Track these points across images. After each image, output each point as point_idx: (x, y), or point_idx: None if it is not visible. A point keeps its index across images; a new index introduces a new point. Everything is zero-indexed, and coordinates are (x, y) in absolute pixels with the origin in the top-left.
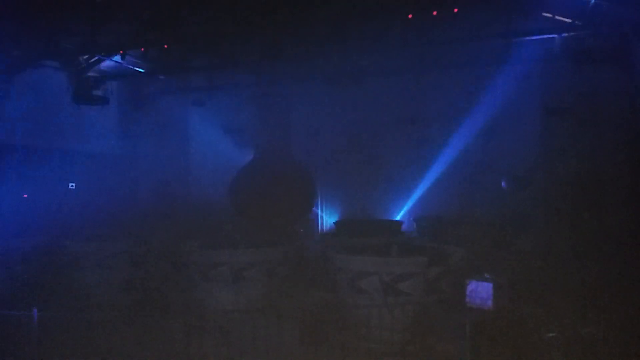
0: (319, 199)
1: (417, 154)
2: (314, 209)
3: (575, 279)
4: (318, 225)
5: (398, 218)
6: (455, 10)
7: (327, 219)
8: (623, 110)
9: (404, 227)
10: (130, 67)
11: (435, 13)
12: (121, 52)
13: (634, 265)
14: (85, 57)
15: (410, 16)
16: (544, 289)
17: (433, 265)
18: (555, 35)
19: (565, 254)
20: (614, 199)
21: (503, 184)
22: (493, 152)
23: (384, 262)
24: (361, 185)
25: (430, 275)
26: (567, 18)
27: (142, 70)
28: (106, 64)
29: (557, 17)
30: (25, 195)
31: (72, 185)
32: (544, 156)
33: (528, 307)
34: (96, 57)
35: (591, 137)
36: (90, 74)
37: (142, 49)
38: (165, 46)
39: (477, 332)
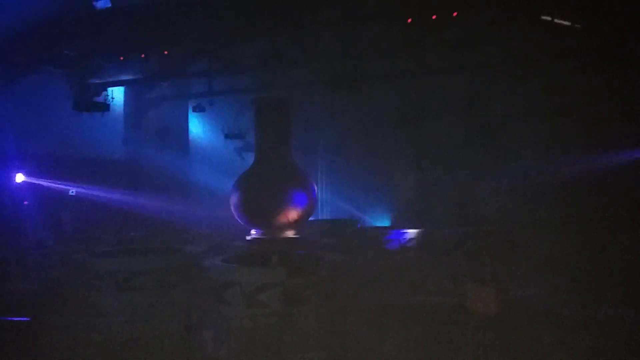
0: (319, 202)
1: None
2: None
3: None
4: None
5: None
6: (455, 14)
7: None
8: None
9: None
10: (131, 73)
11: (434, 17)
12: (122, 58)
13: (635, 264)
14: (87, 63)
15: (409, 20)
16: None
17: None
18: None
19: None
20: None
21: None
22: (495, 152)
23: None
24: (361, 186)
25: None
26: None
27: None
28: (107, 70)
29: (555, 20)
30: (26, 202)
31: (72, 192)
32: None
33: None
34: (97, 64)
35: (592, 137)
36: (91, 80)
37: (143, 55)
38: (166, 52)
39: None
